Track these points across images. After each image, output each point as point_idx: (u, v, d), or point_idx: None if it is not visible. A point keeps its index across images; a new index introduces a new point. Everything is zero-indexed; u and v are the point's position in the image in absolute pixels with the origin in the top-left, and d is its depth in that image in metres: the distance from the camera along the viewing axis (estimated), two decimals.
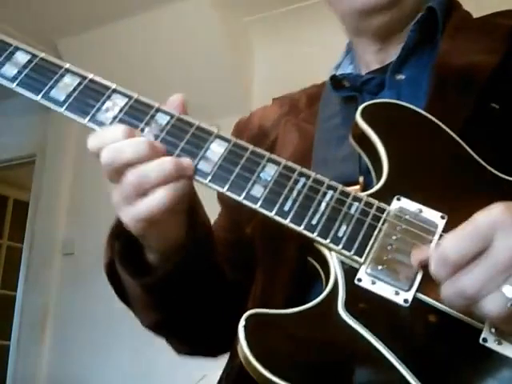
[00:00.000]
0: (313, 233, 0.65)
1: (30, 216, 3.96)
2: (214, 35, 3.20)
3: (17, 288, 3.94)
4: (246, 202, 0.67)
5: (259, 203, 0.67)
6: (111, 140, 0.66)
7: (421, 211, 0.65)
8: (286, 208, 0.66)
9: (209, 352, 0.93)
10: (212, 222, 0.86)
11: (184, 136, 0.70)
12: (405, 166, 0.69)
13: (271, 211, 0.66)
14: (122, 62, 3.27)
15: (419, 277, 0.61)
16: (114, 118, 0.71)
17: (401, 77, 0.83)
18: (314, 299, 0.63)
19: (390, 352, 0.59)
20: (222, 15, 3.23)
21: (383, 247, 0.63)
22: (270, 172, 0.68)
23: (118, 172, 0.66)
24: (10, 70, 0.76)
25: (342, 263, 0.64)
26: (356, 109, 0.73)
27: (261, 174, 0.68)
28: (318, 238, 0.65)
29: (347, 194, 0.67)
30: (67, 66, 0.76)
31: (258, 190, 0.67)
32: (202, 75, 3.23)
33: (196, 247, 0.74)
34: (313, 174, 0.68)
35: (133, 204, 0.66)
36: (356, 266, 0.64)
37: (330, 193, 0.67)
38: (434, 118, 0.71)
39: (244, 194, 0.67)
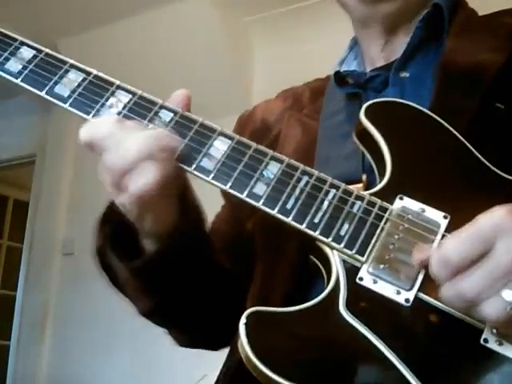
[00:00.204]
0: (315, 231, 0.65)
1: (30, 216, 3.96)
2: (214, 35, 3.20)
3: (17, 288, 3.94)
4: (248, 200, 0.67)
5: (262, 201, 0.66)
6: (100, 126, 0.67)
7: (423, 211, 0.65)
8: (289, 206, 0.66)
9: (209, 344, 0.92)
10: (212, 218, 0.86)
11: (187, 133, 0.70)
12: (408, 165, 0.69)
13: (273, 209, 0.66)
14: (122, 61, 3.26)
15: (421, 276, 0.61)
16: (118, 114, 0.71)
17: (405, 74, 0.83)
18: (315, 297, 0.63)
19: (391, 351, 0.58)
20: (221, 15, 3.23)
21: (385, 246, 0.63)
22: (272, 170, 0.68)
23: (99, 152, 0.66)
24: (15, 65, 0.76)
25: (344, 262, 0.64)
26: (360, 106, 0.73)
27: (264, 172, 0.68)
28: (320, 237, 0.65)
29: (350, 193, 0.66)
30: (72, 61, 0.76)
31: (260, 188, 0.67)
32: (202, 75, 3.23)
33: (189, 231, 0.74)
34: (315, 173, 0.68)
35: (123, 184, 0.65)
36: (358, 264, 0.64)
37: (333, 191, 0.67)
38: (438, 118, 0.71)
39: (246, 192, 0.67)
